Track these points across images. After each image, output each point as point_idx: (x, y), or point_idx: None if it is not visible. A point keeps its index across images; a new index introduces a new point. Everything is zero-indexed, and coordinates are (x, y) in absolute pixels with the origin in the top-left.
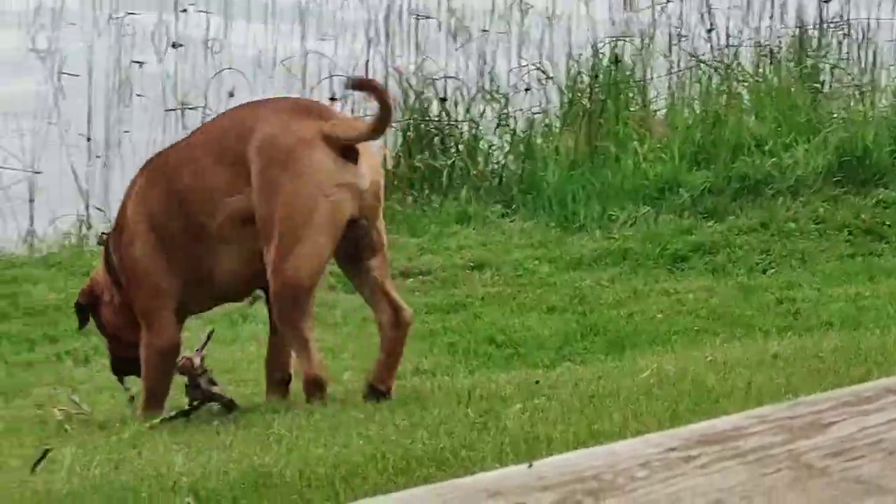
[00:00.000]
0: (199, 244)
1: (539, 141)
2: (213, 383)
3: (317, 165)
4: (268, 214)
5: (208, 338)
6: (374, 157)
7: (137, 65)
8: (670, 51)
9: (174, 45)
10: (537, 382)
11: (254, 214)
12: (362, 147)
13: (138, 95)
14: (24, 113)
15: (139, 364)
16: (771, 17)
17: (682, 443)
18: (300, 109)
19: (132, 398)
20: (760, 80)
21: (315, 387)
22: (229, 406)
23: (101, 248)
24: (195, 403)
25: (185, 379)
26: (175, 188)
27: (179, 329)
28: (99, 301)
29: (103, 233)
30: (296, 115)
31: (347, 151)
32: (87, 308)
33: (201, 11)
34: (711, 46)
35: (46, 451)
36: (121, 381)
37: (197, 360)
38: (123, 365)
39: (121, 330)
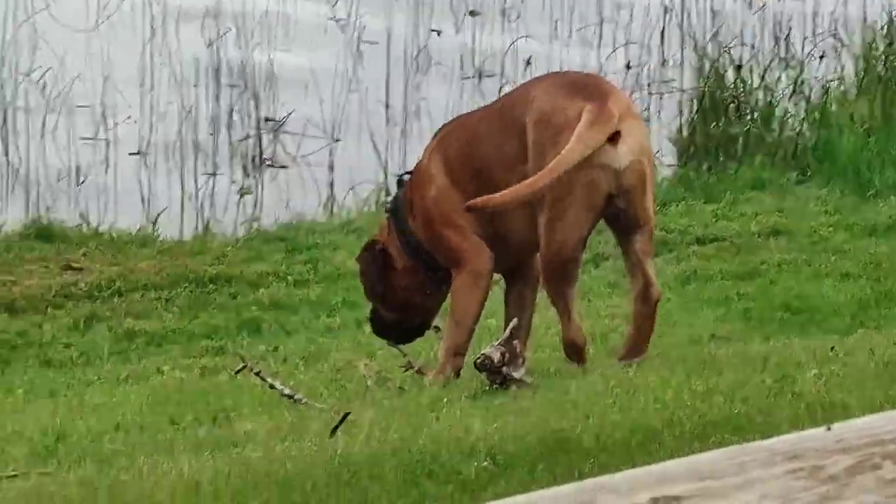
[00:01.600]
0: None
1: (834, 108)
2: (518, 368)
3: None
4: None
5: (510, 331)
6: (638, 137)
7: (435, 33)
8: None
9: (472, 13)
10: (832, 349)
11: None
12: (626, 128)
13: (436, 64)
14: (325, 81)
15: (408, 332)
16: None
17: None
18: (575, 88)
19: (410, 365)
20: None
21: (572, 349)
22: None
23: (389, 215)
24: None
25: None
26: (476, 151)
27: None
28: (391, 263)
29: (386, 201)
30: (568, 94)
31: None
32: (386, 255)
33: None
34: None
35: (346, 415)
36: (394, 345)
37: (496, 356)
38: (390, 329)
39: (410, 293)
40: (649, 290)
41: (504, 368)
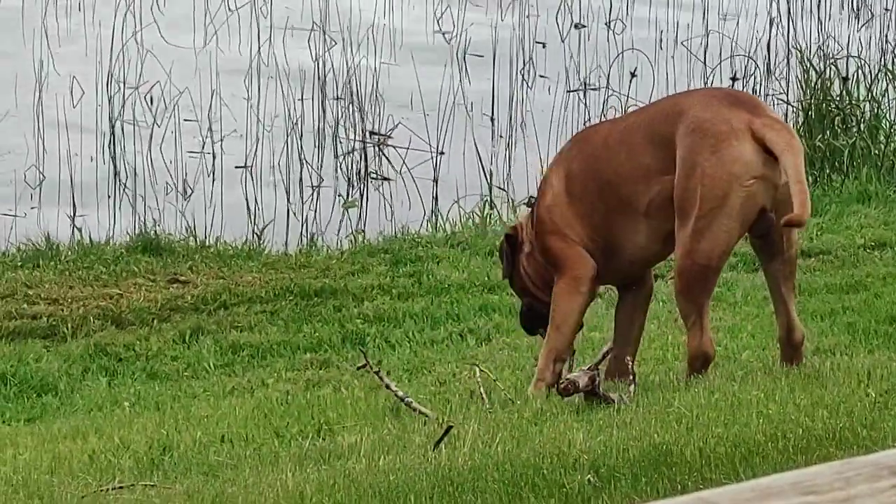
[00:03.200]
0: (619, 216)
1: None
2: (629, 386)
3: (740, 155)
4: (687, 193)
5: (604, 356)
6: (798, 155)
7: (541, 45)
8: None
9: (577, 26)
10: None
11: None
12: (786, 144)
13: (541, 76)
14: (430, 94)
15: (538, 321)
16: None
17: None
18: (734, 100)
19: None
20: None
21: (701, 361)
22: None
23: (529, 208)
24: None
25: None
26: (604, 163)
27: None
28: (519, 247)
29: (531, 196)
30: (729, 105)
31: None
32: (514, 240)
33: None
34: None
35: (449, 427)
36: (533, 334)
37: (583, 381)
38: (532, 318)
39: (532, 280)
40: (792, 334)
41: (600, 390)
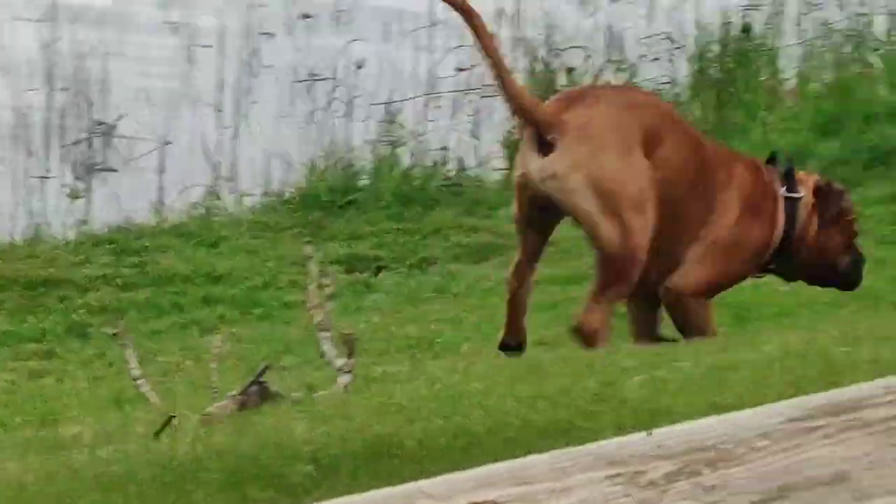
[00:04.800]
0: None
1: None
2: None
3: (521, 150)
4: None
5: (259, 373)
6: (575, 156)
7: (266, 36)
8: (801, 19)
9: (304, 17)
10: (658, 354)
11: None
12: (567, 144)
13: (266, 67)
14: (157, 84)
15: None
16: None
17: (806, 413)
18: (569, 98)
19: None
20: (894, 48)
21: None
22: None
23: None
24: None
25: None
26: None
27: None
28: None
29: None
30: (556, 101)
31: (543, 143)
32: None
33: None
34: (844, 14)
35: (170, 417)
36: None
37: (230, 409)
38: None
39: None
40: (573, 321)
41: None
